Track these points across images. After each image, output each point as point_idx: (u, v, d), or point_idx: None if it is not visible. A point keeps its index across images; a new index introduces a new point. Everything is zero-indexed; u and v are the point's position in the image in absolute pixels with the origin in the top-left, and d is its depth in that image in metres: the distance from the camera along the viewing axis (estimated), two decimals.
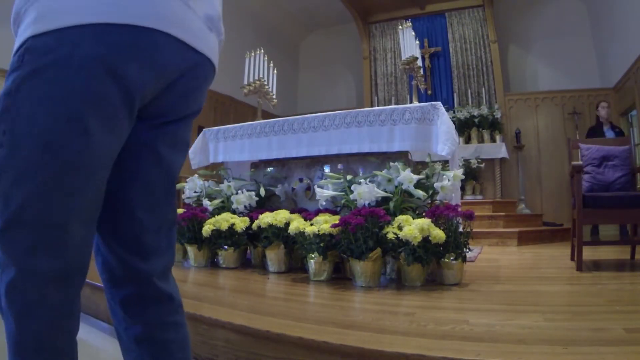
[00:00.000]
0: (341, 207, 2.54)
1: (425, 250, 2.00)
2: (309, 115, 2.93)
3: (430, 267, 2.13)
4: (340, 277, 2.30)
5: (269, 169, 3.19)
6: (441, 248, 2.07)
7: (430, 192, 2.37)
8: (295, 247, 2.43)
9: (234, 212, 2.85)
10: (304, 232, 2.26)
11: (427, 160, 2.60)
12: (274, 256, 2.50)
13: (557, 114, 7.08)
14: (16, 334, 0.65)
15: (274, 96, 3.85)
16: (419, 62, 3.37)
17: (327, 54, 9.16)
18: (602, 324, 1.34)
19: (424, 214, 2.20)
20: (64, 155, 0.64)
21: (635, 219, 2.65)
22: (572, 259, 2.96)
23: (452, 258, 2.08)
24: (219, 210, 2.90)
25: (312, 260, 2.24)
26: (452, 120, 2.84)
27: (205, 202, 2.97)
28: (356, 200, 2.27)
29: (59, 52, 0.63)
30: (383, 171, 2.38)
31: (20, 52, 0.65)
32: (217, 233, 2.63)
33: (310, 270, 2.26)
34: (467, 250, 2.15)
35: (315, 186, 2.63)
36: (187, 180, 3.25)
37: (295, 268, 2.55)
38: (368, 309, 1.68)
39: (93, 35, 0.64)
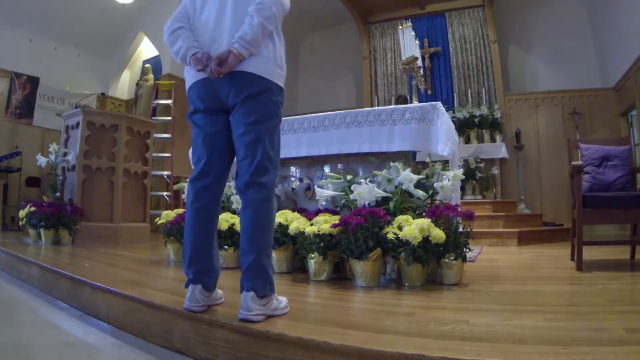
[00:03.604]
0: (341, 207, 2.54)
1: (425, 250, 2.00)
2: (309, 115, 2.93)
3: (430, 267, 2.13)
4: (340, 277, 2.30)
5: None
6: (441, 248, 2.07)
7: (430, 192, 2.37)
8: (295, 247, 2.43)
9: (234, 212, 2.85)
10: (304, 232, 2.26)
11: (427, 160, 2.60)
12: (283, 257, 2.49)
13: (557, 114, 7.08)
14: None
15: None
16: (419, 62, 3.37)
17: (327, 54, 9.16)
18: (602, 324, 1.34)
19: (424, 214, 2.20)
20: None
21: (635, 219, 2.65)
22: (572, 259, 2.96)
23: (452, 258, 2.08)
24: None
25: (312, 260, 2.24)
26: (452, 120, 2.84)
27: None
28: (356, 200, 2.27)
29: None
30: (383, 171, 2.38)
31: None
32: (217, 233, 2.63)
33: (310, 270, 2.26)
34: (467, 250, 2.15)
35: (315, 186, 2.62)
36: (187, 180, 3.24)
37: (295, 268, 2.55)
38: (368, 309, 1.68)
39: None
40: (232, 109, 1.53)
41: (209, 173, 1.56)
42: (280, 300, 1.54)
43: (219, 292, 1.65)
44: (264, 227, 1.48)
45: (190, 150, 3.43)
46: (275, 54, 1.55)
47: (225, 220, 2.63)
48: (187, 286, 1.53)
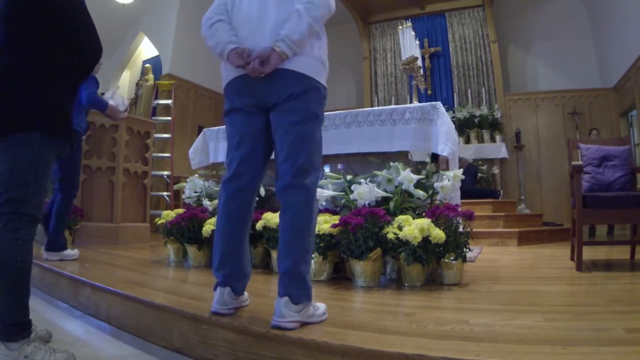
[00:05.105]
0: (341, 207, 2.54)
1: (425, 250, 2.00)
2: None
3: (430, 267, 2.13)
4: (340, 277, 2.30)
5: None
6: (441, 248, 2.07)
7: (430, 192, 2.37)
8: None
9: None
10: None
11: (427, 160, 2.60)
12: None
13: (557, 114, 7.08)
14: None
15: None
16: (419, 62, 3.37)
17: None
18: (602, 324, 1.34)
19: (424, 214, 2.20)
20: None
21: (635, 219, 2.65)
22: (572, 259, 2.96)
23: (452, 258, 2.08)
24: None
25: (312, 260, 2.24)
26: (452, 121, 2.84)
27: (206, 202, 2.97)
28: (356, 200, 2.27)
29: None
30: (383, 171, 2.38)
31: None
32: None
33: (310, 271, 2.26)
34: (467, 250, 2.15)
35: None
36: (187, 180, 3.25)
37: None
38: (368, 309, 1.68)
39: None
40: (273, 107, 1.45)
41: (242, 175, 1.48)
42: (317, 307, 1.46)
43: (245, 293, 1.61)
44: (302, 231, 1.40)
45: (191, 150, 3.45)
46: (320, 52, 1.50)
47: None
48: (215, 289, 1.48)
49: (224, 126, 3.34)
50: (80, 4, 1.49)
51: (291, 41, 1.38)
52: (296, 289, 1.36)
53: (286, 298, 1.34)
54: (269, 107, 1.46)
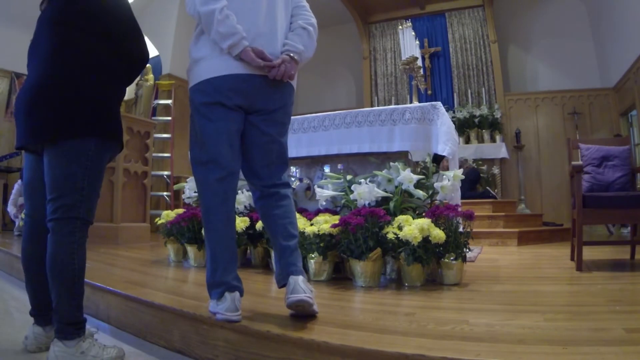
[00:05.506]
0: (341, 207, 2.54)
1: (425, 250, 2.00)
2: (308, 115, 2.93)
3: (430, 267, 2.13)
4: (340, 277, 2.30)
5: None
6: (441, 248, 2.07)
7: (430, 192, 2.37)
8: None
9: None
10: (304, 232, 2.26)
11: (427, 160, 2.60)
12: None
13: (557, 114, 7.08)
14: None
15: None
16: (419, 62, 3.37)
17: (327, 54, 9.14)
18: (602, 324, 1.34)
19: (424, 214, 2.20)
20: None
21: (635, 219, 2.65)
22: (572, 259, 2.96)
23: (452, 258, 2.08)
24: None
25: (312, 260, 2.24)
26: (452, 120, 2.84)
27: None
28: (356, 200, 2.27)
29: None
30: (383, 171, 2.38)
31: None
32: None
33: (310, 270, 2.26)
34: (467, 250, 2.15)
35: (315, 186, 2.62)
36: (187, 180, 3.25)
37: None
38: (368, 309, 1.68)
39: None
40: (256, 111, 1.46)
41: (235, 172, 1.49)
42: None
43: None
44: (295, 214, 1.59)
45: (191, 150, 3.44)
46: None
47: None
48: (220, 296, 1.39)
49: None
50: (127, 10, 1.51)
51: (304, 57, 1.48)
52: (301, 264, 1.49)
53: (301, 277, 1.42)
54: (251, 110, 1.47)
